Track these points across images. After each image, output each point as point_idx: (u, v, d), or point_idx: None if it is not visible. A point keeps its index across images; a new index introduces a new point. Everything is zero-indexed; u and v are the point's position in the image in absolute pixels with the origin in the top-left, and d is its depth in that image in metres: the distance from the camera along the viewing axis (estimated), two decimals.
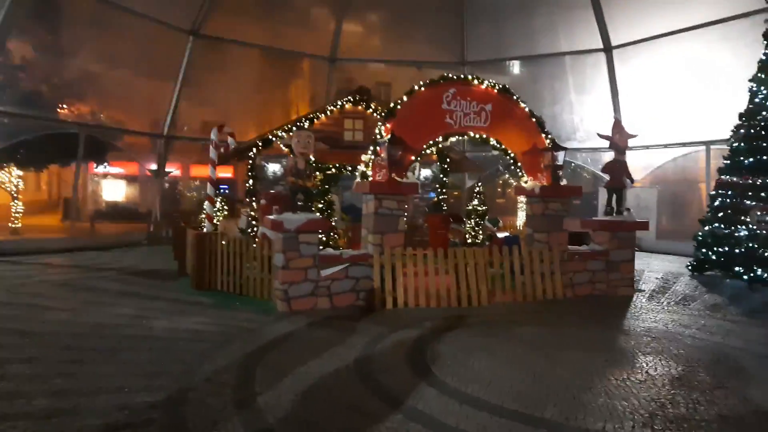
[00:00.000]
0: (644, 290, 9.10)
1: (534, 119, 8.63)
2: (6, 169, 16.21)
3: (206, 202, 11.50)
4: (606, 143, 8.95)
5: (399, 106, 7.84)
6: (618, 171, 8.79)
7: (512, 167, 8.68)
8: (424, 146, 8.04)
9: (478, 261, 7.93)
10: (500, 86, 8.43)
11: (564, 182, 8.65)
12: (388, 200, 7.52)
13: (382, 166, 7.59)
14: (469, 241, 14.39)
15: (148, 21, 14.07)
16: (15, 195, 16.22)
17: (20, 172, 16.65)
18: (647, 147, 15.29)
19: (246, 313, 6.92)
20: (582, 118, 17.24)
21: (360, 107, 13.03)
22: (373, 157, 7.67)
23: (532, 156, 8.59)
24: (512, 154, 8.55)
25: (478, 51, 17.34)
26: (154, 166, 16.62)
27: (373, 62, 18.64)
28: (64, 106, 13.68)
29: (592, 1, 15.42)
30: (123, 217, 19.99)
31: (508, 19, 16.81)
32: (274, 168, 14.59)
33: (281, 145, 12.52)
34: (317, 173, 6.51)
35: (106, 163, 19.36)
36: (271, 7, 16.07)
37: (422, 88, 8.00)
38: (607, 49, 15.92)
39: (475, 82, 8.28)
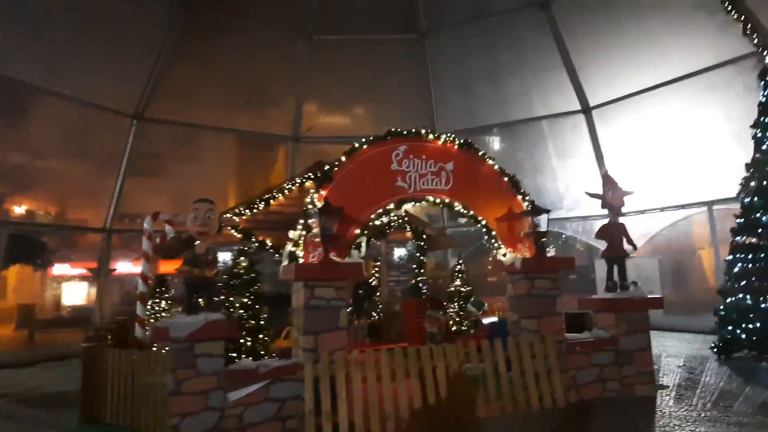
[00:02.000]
0: (668, 386, 7.08)
1: (506, 178, 7.06)
2: None
3: (138, 303, 9.63)
4: (598, 207, 7.32)
5: (336, 168, 6.25)
6: (616, 236, 7.10)
7: (486, 237, 6.96)
8: (372, 215, 6.35)
9: (450, 361, 6.00)
10: (461, 141, 6.93)
11: (552, 253, 6.92)
12: (322, 288, 5.70)
13: (317, 244, 5.86)
14: (454, 329, 12.36)
15: (83, 105, 12.82)
16: None
17: None
18: (643, 212, 13.79)
19: None
20: (567, 184, 15.87)
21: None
22: (303, 232, 5.95)
23: (509, 222, 6.92)
24: (483, 222, 6.87)
25: (449, 121, 16.24)
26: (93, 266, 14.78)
27: (340, 139, 17.49)
28: None
29: (565, 63, 14.55)
30: (72, 323, 17.89)
31: (477, 86, 15.89)
32: (224, 257, 12.83)
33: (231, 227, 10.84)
34: (222, 259, 4.92)
35: (46, 265, 17.46)
36: (224, 87, 15.03)
37: (365, 146, 6.46)
38: (586, 110, 14.85)
39: (431, 137, 6.78)
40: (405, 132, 6.66)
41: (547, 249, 6.92)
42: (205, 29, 13.96)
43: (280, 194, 12.43)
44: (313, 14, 14.85)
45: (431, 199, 6.64)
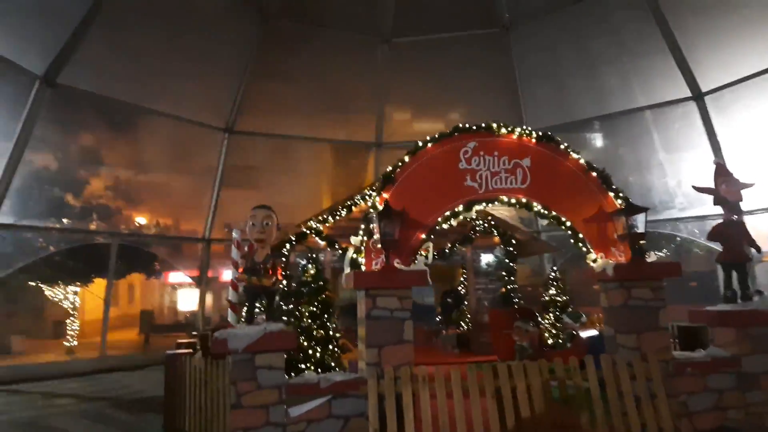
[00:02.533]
0: None
1: (594, 173, 6.25)
2: (60, 285, 15.97)
3: (228, 311, 9.90)
4: (710, 204, 6.27)
5: (399, 170, 5.87)
6: (734, 237, 6.02)
7: (573, 241, 6.20)
8: (439, 219, 5.88)
9: (532, 380, 5.36)
10: (539, 134, 6.24)
11: (653, 258, 6.00)
12: (385, 297, 5.33)
13: (379, 251, 5.51)
14: (550, 342, 11.44)
15: (181, 122, 13.60)
16: (72, 312, 15.78)
17: (76, 288, 16.35)
18: None
19: None
20: (679, 180, 14.17)
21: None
22: (365, 238, 5.63)
23: (599, 224, 6.11)
24: (568, 223, 6.12)
25: (539, 117, 15.23)
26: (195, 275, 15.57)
27: None
28: (94, 215, 13.13)
29: (669, 45, 13.04)
30: (184, 328, 19.10)
31: (568, 78, 14.76)
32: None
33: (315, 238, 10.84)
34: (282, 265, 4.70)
35: (159, 273, 18.80)
36: (309, 97, 15.24)
37: (429, 144, 6.01)
38: (697, 96, 13.18)
39: (503, 131, 6.17)
40: (474, 127, 6.12)
41: (648, 253, 6.02)
42: (286, 42, 14.26)
43: (361, 200, 12.28)
44: (391, 17, 14.63)
45: (505, 199, 6.03)
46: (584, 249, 6.15)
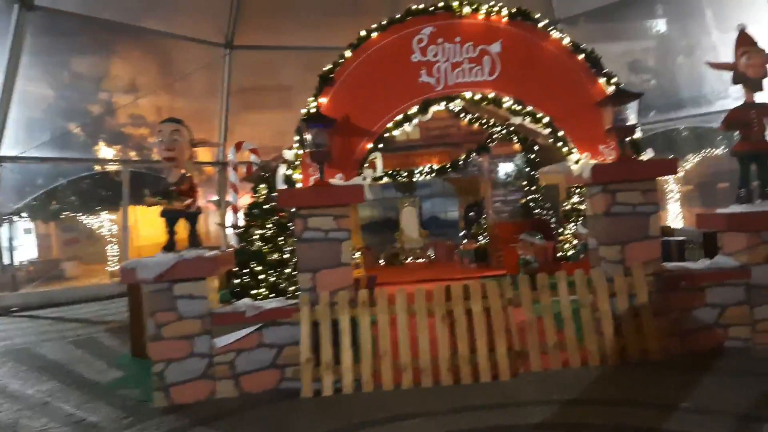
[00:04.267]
0: None
1: (581, 55, 5.12)
2: (95, 212, 16.49)
3: (230, 233, 9.69)
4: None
5: (339, 68, 5.01)
6: (755, 123, 4.84)
7: (552, 141, 5.23)
8: (388, 125, 5.05)
9: (491, 302, 4.70)
10: (512, 10, 5.12)
11: (649, 155, 4.98)
12: (318, 217, 4.70)
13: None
14: (569, 254, 10.64)
15: (176, 40, 12.92)
16: (111, 238, 16.38)
17: (112, 216, 16.84)
18: None
19: (113, 404, 4.64)
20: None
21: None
22: (299, 151, 4.93)
23: (584, 117, 5.08)
24: (546, 119, 5.13)
25: (571, 1, 13.36)
26: (215, 197, 15.52)
27: None
28: (100, 143, 13.05)
29: None
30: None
31: None
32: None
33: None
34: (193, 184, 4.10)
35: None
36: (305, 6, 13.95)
37: (375, 34, 5.07)
38: None
39: (467, 9, 5.09)
40: (430, 8, 5.08)
41: (643, 151, 4.99)
42: None
43: None
44: None
45: (468, 95, 5.07)
46: (565, 149, 5.18)
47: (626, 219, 4.86)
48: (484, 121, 10.72)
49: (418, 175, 12.24)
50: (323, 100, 4.94)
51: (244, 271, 6.24)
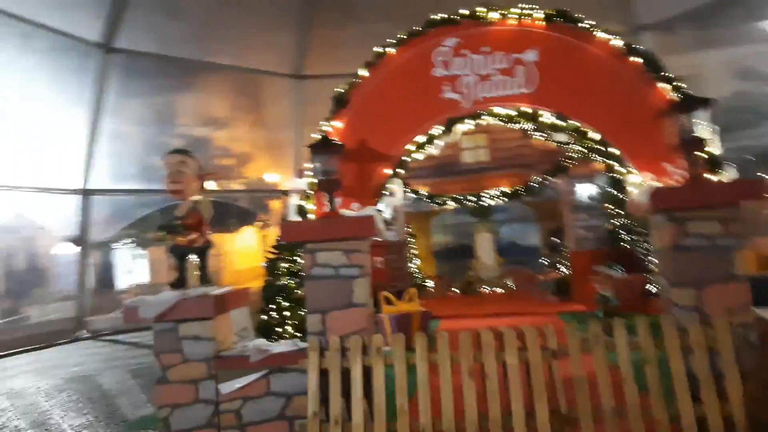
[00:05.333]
0: None
1: (636, 58, 4.31)
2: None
3: None
4: None
5: (354, 89, 4.62)
6: None
7: (603, 160, 4.43)
8: (408, 147, 4.55)
9: (530, 353, 3.97)
10: (549, 12, 4.45)
11: (730, 175, 4.03)
12: (326, 252, 4.26)
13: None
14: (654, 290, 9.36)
15: (246, 73, 13.38)
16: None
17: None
18: None
19: None
20: None
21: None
22: (315, 180, 4.55)
23: (642, 130, 4.24)
24: (596, 136, 4.35)
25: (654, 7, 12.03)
26: None
27: None
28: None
29: None
30: None
31: None
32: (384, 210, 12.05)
33: None
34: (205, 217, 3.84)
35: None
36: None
37: (393, 49, 4.63)
38: None
39: (494, 15, 4.50)
40: (454, 17, 4.55)
41: (721, 169, 4.05)
42: None
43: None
44: None
45: (501, 111, 4.44)
46: (621, 170, 4.36)
47: (701, 255, 3.91)
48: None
49: (487, 198, 11.51)
50: (338, 123, 4.55)
51: (271, 307, 5.98)
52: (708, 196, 3.87)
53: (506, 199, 11.84)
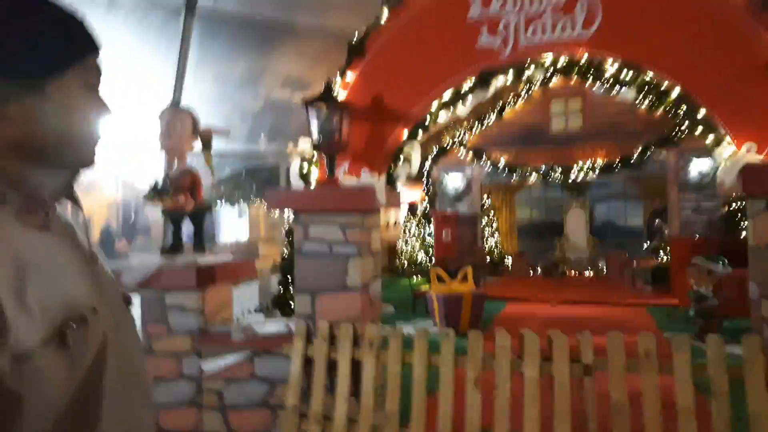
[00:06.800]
0: None
1: None
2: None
3: None
4: None
5: (372, 35, 3.87)
6: None
7: (687, 122, 3.34)
8: (432, 105, 3.75)
9: (555, 366, 3.13)
10: None
11: None
12: (319, 225, 3.63)
13: (341, 156, 3.79)
14: None
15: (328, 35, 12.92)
16: None
17: None
18: None
19: None
20: None
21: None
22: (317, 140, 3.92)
23: (745, 88, 3.08)
24: (676, 91, 3.26)
25: None
26: None
27: None
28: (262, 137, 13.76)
29: None
30: None
31: None
32: (455, 180, 11.28)
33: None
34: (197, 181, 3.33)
35: None
36: None
37: None
38: None
39: None
40: None
41: None
42: None
43: (516, 100, 9.93)
44: None
45: (549, 60, 3.47)
46: (710, 136, 3.25)
47: None
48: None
49: (576, 172, 10.19)
50: (351, 76, 3.86)
51: (288, 278, 5.53)
52: None
53: (599, 173, 10.43)
